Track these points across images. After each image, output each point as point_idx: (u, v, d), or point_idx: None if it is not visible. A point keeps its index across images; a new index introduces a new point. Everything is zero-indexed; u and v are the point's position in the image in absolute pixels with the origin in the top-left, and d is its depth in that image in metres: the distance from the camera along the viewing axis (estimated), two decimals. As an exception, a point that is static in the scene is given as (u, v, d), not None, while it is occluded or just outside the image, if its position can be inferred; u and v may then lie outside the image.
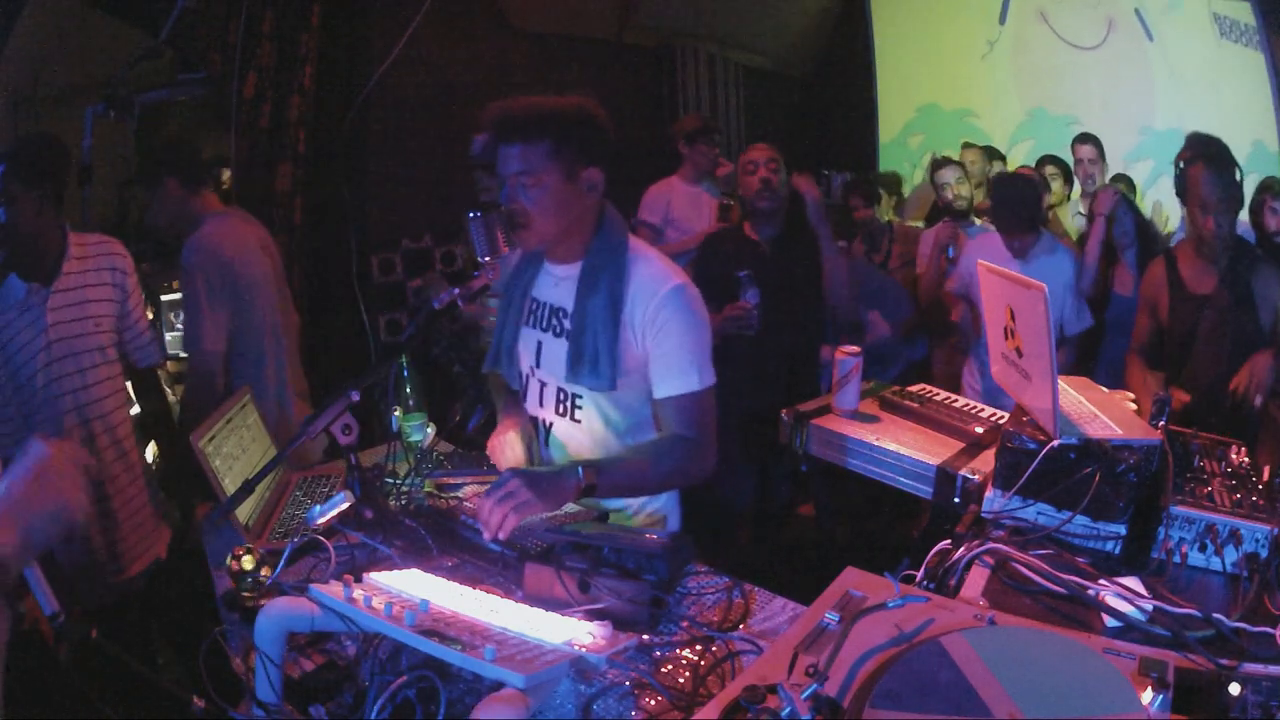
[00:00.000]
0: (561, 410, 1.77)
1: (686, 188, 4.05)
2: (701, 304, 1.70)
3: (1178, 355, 2.44)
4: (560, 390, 1.76)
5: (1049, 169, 4.22)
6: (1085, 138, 4.13)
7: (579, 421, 1.75)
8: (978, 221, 3.88)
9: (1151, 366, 2.65)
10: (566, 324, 1.71)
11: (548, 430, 1.81)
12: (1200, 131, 2.34)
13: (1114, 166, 4.22)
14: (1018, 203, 3.05)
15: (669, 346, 1.64)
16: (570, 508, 1.69)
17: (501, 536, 1.48)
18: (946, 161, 3.98)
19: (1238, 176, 2.25)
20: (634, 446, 1.74)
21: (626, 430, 1.75)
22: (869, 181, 4.43)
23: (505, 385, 1.97)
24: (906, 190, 5.22)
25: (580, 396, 1.74)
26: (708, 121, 4.25)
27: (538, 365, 1.80)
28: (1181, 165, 2.28)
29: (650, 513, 1.82)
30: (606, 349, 1.64)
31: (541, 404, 1.81)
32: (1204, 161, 2.24)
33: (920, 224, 4.44)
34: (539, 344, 1.79)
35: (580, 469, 1.55)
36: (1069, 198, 4.25)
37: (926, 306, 3.72)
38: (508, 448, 1.81)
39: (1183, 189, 2.31)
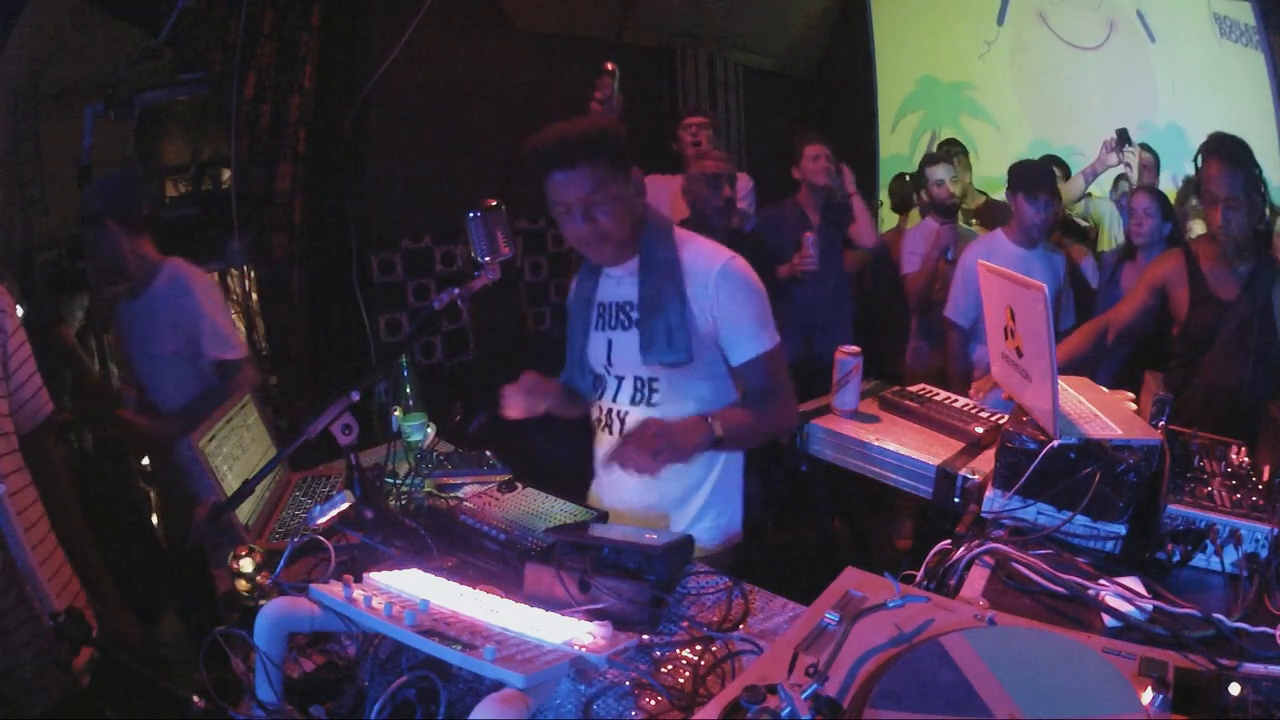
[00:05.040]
0: (638, 399, 1.84)
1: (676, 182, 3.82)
2: (754, 273, 1.82)
3: (1189, 356, 2.40)
4: (636, 379, 1.84)
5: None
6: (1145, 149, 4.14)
7: (655, 406, 1.82)
8: (970, 224, 3.88)
9: (1138, 358, 2.66)
10: (634, 314, 1.80)
11: (622, 421, 1.86)
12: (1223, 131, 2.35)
13: (1115, 167, 4.22)
14: (1039, 168, 3.21)
15: (735, 315, 1.76)
16: (571, 509, 1.69)
17: (651, 476, 1.61)
18: (938, 158, 3.95)
19: (1259, 176, 2.24)
20: (734, 403, 1.84)
21: (702, 410, 1.78)
22: None
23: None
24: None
25: (656, 380, 1.82)
26: (687, 107, 4.08)
27: (610, 363, 1.87)
28: (1198, 161, 2.31)
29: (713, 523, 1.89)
30: (679, 323, 1.74)
31: (616, 399, 1.88)
32: (1216, 155, 2.25)
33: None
34: (609, 342, 1.86)
35: (710, 420, 1.67)
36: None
37: (916, 306, 3.70)
38: (512, 390, 1.88)
39: (1199, 186, 2.34)
